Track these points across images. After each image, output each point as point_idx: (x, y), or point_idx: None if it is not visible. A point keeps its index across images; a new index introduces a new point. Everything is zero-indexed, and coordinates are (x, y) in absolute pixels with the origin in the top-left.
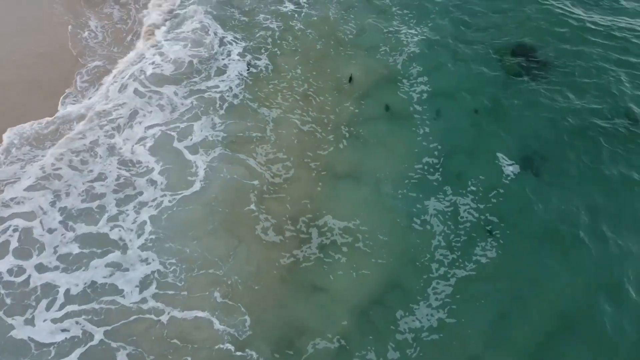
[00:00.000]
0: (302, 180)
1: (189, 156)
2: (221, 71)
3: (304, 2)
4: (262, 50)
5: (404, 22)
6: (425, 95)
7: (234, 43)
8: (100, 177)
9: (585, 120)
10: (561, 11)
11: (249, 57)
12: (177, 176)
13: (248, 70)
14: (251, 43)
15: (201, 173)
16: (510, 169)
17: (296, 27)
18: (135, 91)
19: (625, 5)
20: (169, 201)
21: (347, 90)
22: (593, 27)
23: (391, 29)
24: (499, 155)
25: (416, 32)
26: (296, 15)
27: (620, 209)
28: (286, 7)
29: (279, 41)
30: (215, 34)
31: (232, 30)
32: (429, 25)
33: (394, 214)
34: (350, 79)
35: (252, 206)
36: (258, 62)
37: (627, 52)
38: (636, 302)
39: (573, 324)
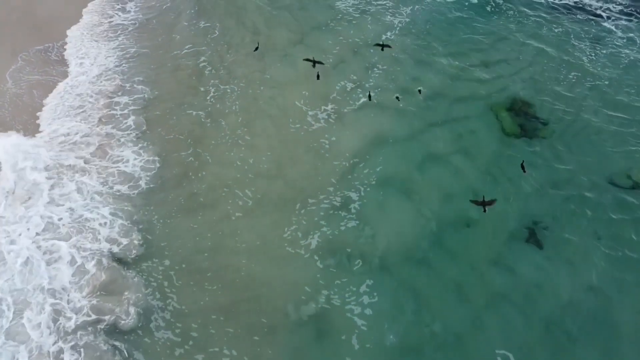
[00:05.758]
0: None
1: None
2: None
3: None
4: None
5: (394, 76)
6: (416, 158)
7: None
8: None
9: (587, 184)
10: (557, 63)
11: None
12: None
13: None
14: None
15: None
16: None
17: None
18: None
19: (628, 58)
20: None
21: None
22: (593, 80)
23: (383, 84)
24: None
25: (407, 87)
26: None
27: (626, 283)
28: None
29: None
30: None
31: None
32: (421, 79)
33: None
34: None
35: None
36: None
37: (628, 110)
38: None
39: None
